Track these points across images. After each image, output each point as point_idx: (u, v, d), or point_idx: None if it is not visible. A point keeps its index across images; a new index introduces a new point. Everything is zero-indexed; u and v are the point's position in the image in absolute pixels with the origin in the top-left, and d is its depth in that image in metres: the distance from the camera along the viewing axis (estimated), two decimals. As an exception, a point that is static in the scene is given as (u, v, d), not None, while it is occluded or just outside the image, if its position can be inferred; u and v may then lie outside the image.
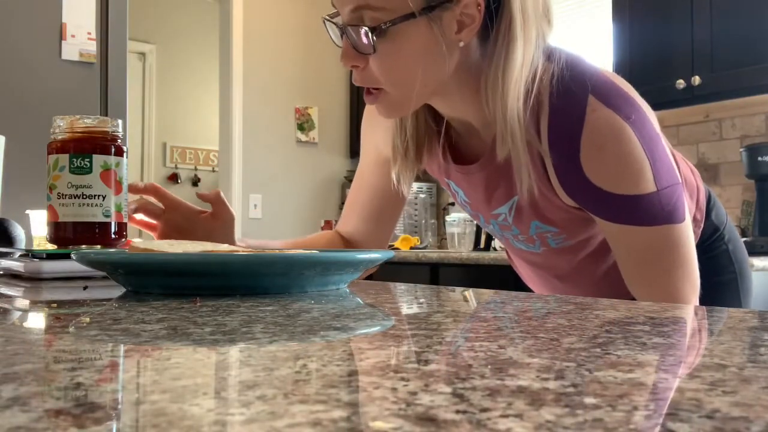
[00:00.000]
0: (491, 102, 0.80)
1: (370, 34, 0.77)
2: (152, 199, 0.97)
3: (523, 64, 0.79)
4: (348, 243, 1.12)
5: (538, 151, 0.81)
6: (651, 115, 0.82)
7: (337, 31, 0.82)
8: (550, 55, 0.82)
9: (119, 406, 0.22)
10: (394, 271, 2.86)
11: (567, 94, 0.79)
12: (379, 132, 1.03)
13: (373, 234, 1.10)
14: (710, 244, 0.98)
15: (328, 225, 3.90)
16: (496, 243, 3.10)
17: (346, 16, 0.79)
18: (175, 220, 0.96)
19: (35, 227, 1.21)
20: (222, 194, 0.98)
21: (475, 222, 3.12)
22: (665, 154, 0.81)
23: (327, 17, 0.84)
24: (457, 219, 3.15)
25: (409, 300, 0.60)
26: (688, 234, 0.83)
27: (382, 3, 0.76)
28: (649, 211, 0.80)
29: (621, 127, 0.77)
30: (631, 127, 0.77)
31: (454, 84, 0.82)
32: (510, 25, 0.79)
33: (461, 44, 0.80)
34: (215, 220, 0.96)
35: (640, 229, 0.81)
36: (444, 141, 0.93)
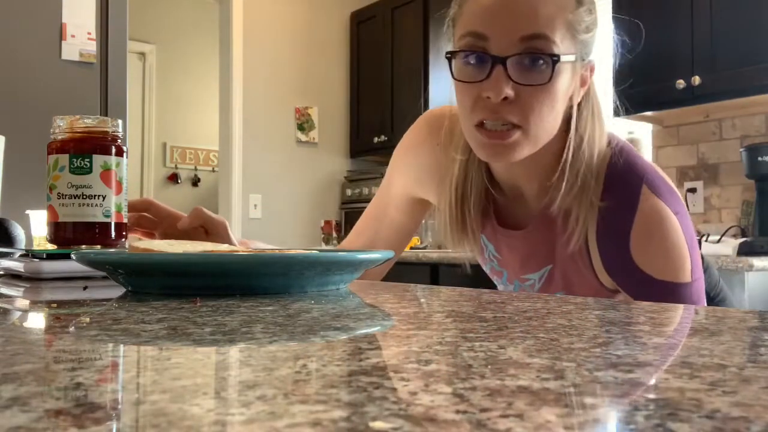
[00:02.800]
0: (575, 159, 0.83)
1: (552, 63, 0.76)
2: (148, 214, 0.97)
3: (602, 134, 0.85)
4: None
5: (586, 232, 0.85)
6: (689, 219, 0.87)
7: (483, 62, 0.78)
8: (610, 140, 0.86)
9: (119, 406, 0.22)
10: (394, 271, 2.86)
11: (622, 179, 0.83)
12: (412, 174, 1.01)
13: (381, 267, 1.11)
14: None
15: (328, 225, 3.90)
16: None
17: (512, 43, 0.76)
18: (170, 233, 0.95)
19: (35, 227, 1.21)
20: (202, 209, 0.94)
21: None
22: (698, 250, 0.86)
23: (468, 49, 0.79)
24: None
25: (409, 300, 0.60)
26: None
27: (555, 37, 0.77)
28: (680, 300, 0.83)
29: (671, 218, 0.82)
30: (678, 218, 0.83)
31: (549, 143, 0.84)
32: (595, 96, 0.86)
33: (576, 101, 0.83)
34: (210, 234, 0.95)
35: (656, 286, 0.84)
36: (491, 207, 0.94)
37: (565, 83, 0.80)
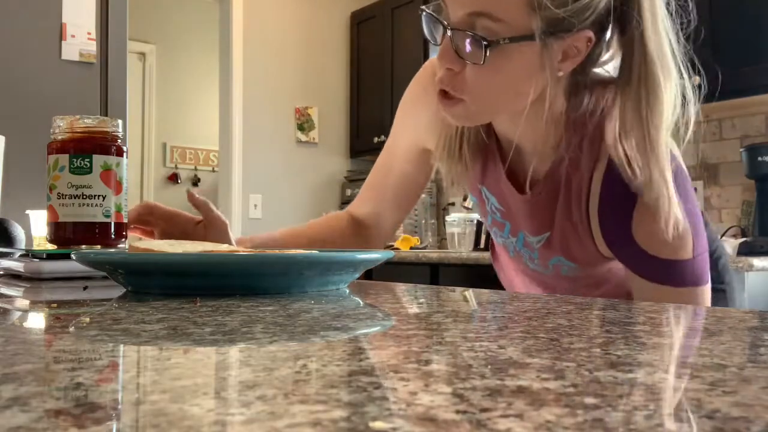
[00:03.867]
0: (577, 126, 0.81)
1: (484, 45, 0.74)
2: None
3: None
4: (360, 225, 1.09)
5: (587, 201, 0.84)
6: (692, 189, 0.86)
7: (438, 28, 0.79)
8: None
9: (119, 406, 0.22)
10: (394, 271, 2.86)
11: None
12: (422, 119, 1.00)
13: (390, 219, 1.09)
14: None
15: (328, 225, 3.90)
16: (496, 243, 3.09)
17: (458, 17, 0.75)
18: (170, 232, 0.95)
19: (35, 227, 1.21)
20: (210, 203, 0.95)
21: (475, 222, 3.11)
22: (702, 223, 0.85)
23: (428, 11, 0.80)
24: (457, 219, 3.15)
25: (409, 300, 0.60)
26: (708, 296, 0.87)
27: (504, 16, 0.73)
28: (681, 275, 0.83)
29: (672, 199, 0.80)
30: (681, 199, 0.81)
31: (533, 110, 0.80)
32: (645, 65, 0.79)
33: (560, 74, 0.79)
34: (208, 229, 0.94)
35: (668, 289, 0.84)
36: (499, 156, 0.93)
37: (521, 63, 0.76)
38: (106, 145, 0.86)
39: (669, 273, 0.83)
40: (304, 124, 3.94)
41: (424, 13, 0.81)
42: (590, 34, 0.77)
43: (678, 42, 0.82)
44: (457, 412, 0.20)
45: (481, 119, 0.84)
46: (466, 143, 0.92)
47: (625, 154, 0.78)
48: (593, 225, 0.85)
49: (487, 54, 0.74)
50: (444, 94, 0.80)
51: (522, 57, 0.76)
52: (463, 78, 0.77)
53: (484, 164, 0.94)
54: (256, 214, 3.71)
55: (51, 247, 0.87)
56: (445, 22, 0.77)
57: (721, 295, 1.01)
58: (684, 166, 0.85)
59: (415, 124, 1.02)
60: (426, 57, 3.60)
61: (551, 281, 1.00)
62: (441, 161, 0.95)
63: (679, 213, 0.79)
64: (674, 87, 0.81)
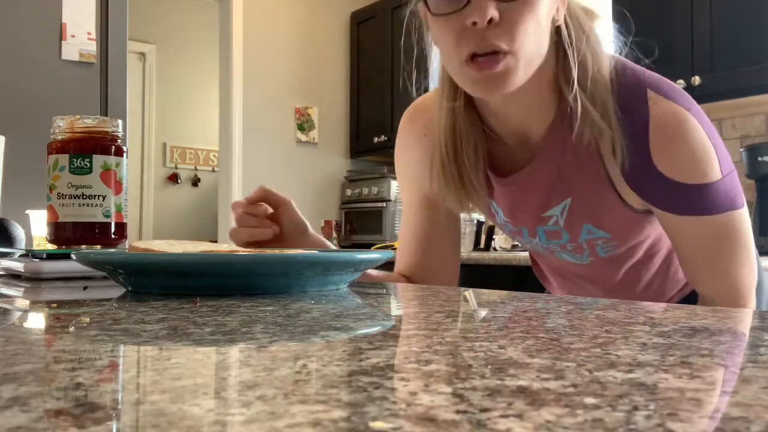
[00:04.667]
0: (589, 85, 0.79)
1: None
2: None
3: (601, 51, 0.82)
4: (410, 281, 1.04)
5: (599, 152, 0.82)
6: (704, 113, 0.84)
7: None
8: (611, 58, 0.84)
9: (119, 406, 0.22)
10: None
11: (627, 93, 0.80)
12: (412, 166, 0.98)
13: (444, 266, 1.03)
14: None
15: (328, 225, 3.90)
16: (497, 243, 3.09)
17: None
18: (286, 224, 0.93)
19: (35, 227, 1.21)
20: (266, 187, 0.93)
21: (475, 222, 3.12)
22: (721, 141, 0.82)
23: None
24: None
25: (409, 300, 0.60)
26: (747, 219, 0.85)
27: None
28: (716, 200, 0.80)
29: (685, 117, 0.78)
30: (693, 116, 0.79)
31: (537, 71, 0.80)
32: (579, 11, 0.83)
33: (558, 23, 0.80)
34: (276, 208, 0.93)
35: (707, 219, 0.81)
36: (486, 159, 0.90)
37: (545, 1, 0.77)
38: (106, 145, 0.86)
39: (706, 200, 0.80)
40: (304, 124, 3.94)
41: None
42: None
43: None
44: (457, 412, 0.20)
45: (527, 70, 0.78)
46: (462, 159, 0.88)
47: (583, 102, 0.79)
48: (614, 178, 0.83)
49: None
50: (484, 64, 0.75)
51: None
52: (507, 25, 0.74)
53: (486, 176, 0.91)
54: (256, 214, 3.71)
55: (51, 247, 0.87)
56: None
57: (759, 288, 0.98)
58: (697, 106, 0.82)
59: (410, 175, 1.00)
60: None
61: (596, 273, 0.97)
62: (441, 193, 0.91)
63: (692, 125, 0.78)
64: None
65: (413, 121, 0.99)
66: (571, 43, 0.81)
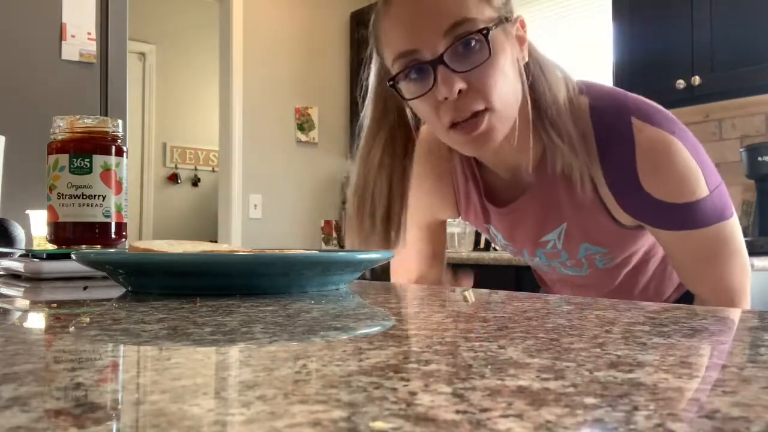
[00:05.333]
0: (553, 121, 0.83)
1: (483, 36, 0.77)
2: None
3: (559, 79, 0.85)
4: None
5: (591, 178, 0.85)
6: (690, 132, 0.87)
7: (424, 72, 0.79)
8: (580, 88, 0.86)
9: (119, 406, 0.22)
10: (394, 271, 2.85)
11: (610, 119, 0.83)
12: (433, 196, 1.02)
13: (435, 267, 1.13)
14: None
15: (328, 225, 3.90)
16: (496, 243, 3.10)
17: (440, 40, 0.77)
18: None
19: (35, 227, 1.21)
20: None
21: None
22: (707, 157, 0.86)
23: (408, 65, 0.80)
24: (457, 219, 3.15)
25: (409, 300, 0.60)
26: (737, 227, 0.88)
27: (473, 14, 0.78)
28: (705, 214, 0.84)
29: (671, 142, 0.82)
30: (678, 139, 0.82)
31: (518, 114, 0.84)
32: (536, 50, 0.86)
33: (523, 61, 0.83)
34: None
35: (697, 232, 0.85)
36: (482, 190, 0.95)
37: (505, 50, 0.80)
38: (106, 145, 0.86)
39: (691, 216, 0.84)
40: (304, 124, 3.93)
41: (402, 75, 0.81)
42: (522, 18, 0.84)
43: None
44: (457, 412, 0.20)
45: (508, 121, 0.82)
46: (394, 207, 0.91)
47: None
48: (607, 200, 0.86)
49: (489, 43, 0.77)
50: (466, 127, 0.79)
51: (504, 44, 0.80)
52: (477, 88, 0.78)
53: (483, 206, 0.96)
54: (256, 214, 3.71)
55: (51, 247, 0.87)
56: (429, 58, 0.78)
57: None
58: (681, 125, 0.85)
59: (427, 202, 1.04)
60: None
61: (596, 281, 1.01)
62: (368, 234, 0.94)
63: (675, 145, 0.81)
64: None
65: (422, 153, 1.00)
66: (529, 81, 0.84)
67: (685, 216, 0.84)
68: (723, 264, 0.88)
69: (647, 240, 0.95)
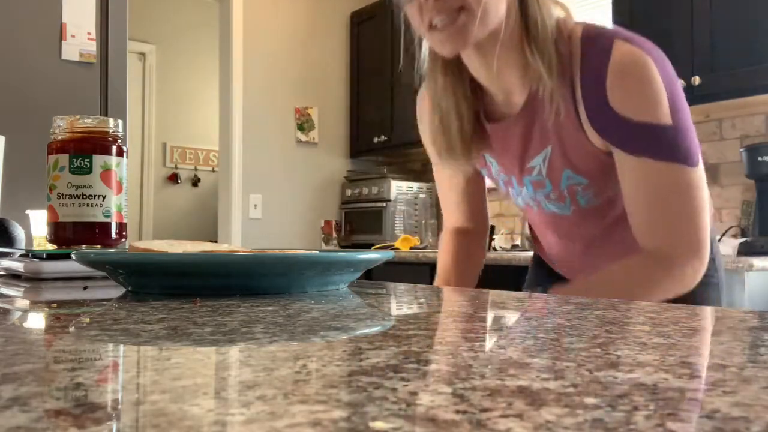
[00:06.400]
0: (537, 41, 0.88)
1: None
2: None
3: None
4: (465, 232, 1.22)
5: (572, 93, 0.89)
6: (672, 68, 0.89)
7: None
8: (581, 25, 0.91)
9: (119, 406, 0.22)
10: (394, 271, 2.86)
11: (596, 38, 0.87)
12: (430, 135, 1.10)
13: (477, 215, 1.21)
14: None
15: (328, 225, 3.90)
16: (497, 243, 3.10)
17: None
18: None
19: (35, 227, 1.21)
20: None
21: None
22: (683, 100, 0.87)
23: None
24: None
25: (409, 300, 0.60)
26: (699, 182, 0.87)
27: None
28: (664, 143, 0.85)
29: (643, 58, 0.84)
30: (653, 60, 0.84)
31: (507, 36, 0.89)
32: None
33: None
34: None
35: (655, 164, 0.85)
36: (482, 110, 1.01)
37: None
38: (106, 145, 0.86)
39: (653, 140, 0.85)
40: (304, 124, 3.93)
41: None
42: None
43: None
44: (457, 412, 0.20)
45: (485, 24, 0.87)
46: (455, 133, 0.99)
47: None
48: (582, 118, 0.89)
49: None
50: (443, 26, 0.86)
51: None
52: None
53: (481, 127, 1.02)
54: (256, 214, 3.71)
55: (51, 247, 0.87)
56: None
57: (714, 287, 1.02)
58: (663, 56, 0.88)
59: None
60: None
61: (579, 226, 1.03)
62: (447, 161, 1.03)
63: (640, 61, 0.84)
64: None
65: (423, 97, 1.13)
66: (523, 5, 0.90)
67: (642, 137, 0.85)
68: (678, 213, 0.87)
69: None
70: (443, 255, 1.21)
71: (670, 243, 0.88)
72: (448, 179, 1.19)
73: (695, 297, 0.95)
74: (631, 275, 0.91)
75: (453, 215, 1.22)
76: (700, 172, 0.87)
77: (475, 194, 1.20)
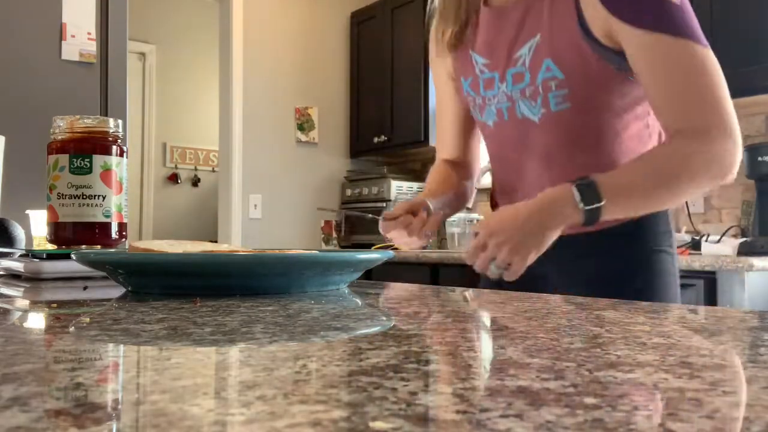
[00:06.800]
0: None
1: None
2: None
3: None
4: (460, 165, 1.24)
5: None
6: None
7: None
8: None
9: (119, 406, 0.22)
10: (394, 271, 2.86)
11: None
12: (445, 62, 1.16)
13: (469, 148, 1.24)
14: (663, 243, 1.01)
15: (328, 225, 3.90)
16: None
17: None
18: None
19: (35, 227, 1.21)
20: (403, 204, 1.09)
21: (474, 222, 3.11)
22: None
23: None
24: (457, 219, 3.15)
25: (409, 300, 0.60)
26: (717, 66, 0.88)
27: None
28: (678, 20, 0.87)
29: None
30: None
31: None
32: None
33: None
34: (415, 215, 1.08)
35: (673, 41, 0.87)
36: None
37: None
38: (107, 145, 0.86)
39: (661, 14, 0.87)
40: (304, 124, 3.93)
41: None
42: None
43: None
44: (457, 412, 0.20)
45: None
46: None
47: None
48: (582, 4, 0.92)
49: None
50: None
51: None
52: None
53: (476, 17, 1.07)
54: (256, 214, 3.71)
55: (51, 247, 0.87)
56: None
57: (671, 260, 1.02)
58: None
59: (443, 70, 1.18)
60: (426, 57, 3.59)
61: (543, 136, 1.02)
62: (441, 25, 1.10)
63: None
64: None
65: (434, 29, 1.17)
66: None
67: (656, 11, 0.87)
68: (703, 93, 0.87)
69: (606, 112, 0.96)
70: (429, 177, 1.24)
71: (702, 118, 0.88)
72: (450, 112, 1.21)
73: (651, 265, 0.97)
74: (672, 154, 0.89)
75: (446, 148, 1.25)
76: (711, 54, 0.88)
77: (472, 134, 1.23)
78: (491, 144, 1.12)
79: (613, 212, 0.87)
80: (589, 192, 0.85)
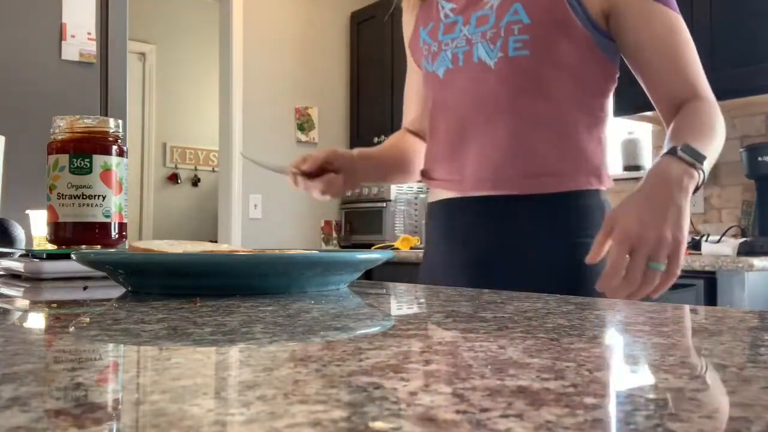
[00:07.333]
0: None
1: None
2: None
3: None
4: (417, 134, 1.26)
5: None
6: None
7: None
8: None
9: (119, 406, 0.22)
10: (394, 271, 2.86)
11: None
12: (412, 22, 1.18)
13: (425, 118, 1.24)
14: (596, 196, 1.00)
15: (328, 225, 3.90)
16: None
17: None
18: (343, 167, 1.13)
19: (35, 227, 1.21)
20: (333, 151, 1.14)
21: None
22: None
23: None
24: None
25: (409, 300, 0.60)
26: (687, 30, 0.96)
27: None
28: None
29: None
30: None
31: None
32: None
33: None
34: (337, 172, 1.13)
35: (660, 9, 0.93)
36: None
37: None
38: (106, 145, 0.86)
39: None
40: (304, 124, 3.94)
41: None
42: None
43: None
44: (457, 412, 0.20)
45: None
46: None
47: None
48: None
49: None
50: None
51: None
52: None
53: None
54: (256, 214, 3.71)
55: (51, 247, 0.87)
56: None
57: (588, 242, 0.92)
58: None
59: (409, 24, 1.21)
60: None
61: (494, 93, 0.99)
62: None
63: None
64: None
65: None
66: None
67: None
68: (684, 56, 0.95)
69: (559, 69, 0.96)
70: (385, 142, 1.27)
71: (702, 88, 0.97)
72: (416, 81, 1.22)
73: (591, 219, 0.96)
74: (701, 112, 0.95)
75: (409, 117, 1.26)
76: (680, 19, 0.96)
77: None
78: (437, 98, 1.08)
79: (710, 164, 0.89)
80: (692, 151, 0.85)
